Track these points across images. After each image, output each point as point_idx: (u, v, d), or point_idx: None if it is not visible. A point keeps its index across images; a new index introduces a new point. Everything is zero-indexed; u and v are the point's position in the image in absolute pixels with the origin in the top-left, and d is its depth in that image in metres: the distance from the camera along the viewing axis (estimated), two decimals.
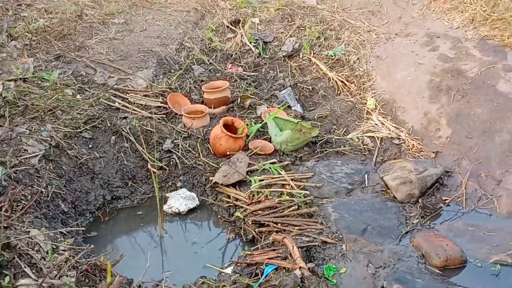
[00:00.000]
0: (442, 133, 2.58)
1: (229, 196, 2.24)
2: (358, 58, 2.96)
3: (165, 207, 2.22)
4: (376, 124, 2.64)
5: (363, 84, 2.86)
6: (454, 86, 2.75)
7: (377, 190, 2.34)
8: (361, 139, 2.60)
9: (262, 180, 2.27)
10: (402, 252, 2.08)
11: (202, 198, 2.30)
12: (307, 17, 3.23)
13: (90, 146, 2.29)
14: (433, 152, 2.52)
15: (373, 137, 2.57)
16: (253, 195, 2.19)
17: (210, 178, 2.32)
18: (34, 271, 1.83)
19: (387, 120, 2.73)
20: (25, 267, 1.80)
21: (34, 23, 2.82)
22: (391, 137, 2.62)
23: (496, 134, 2.55)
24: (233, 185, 2.26)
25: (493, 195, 2.26)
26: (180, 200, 2.24)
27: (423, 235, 2.14)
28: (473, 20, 2.99)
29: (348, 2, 3.45)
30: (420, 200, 2.30)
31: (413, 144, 2.58)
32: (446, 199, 2.29)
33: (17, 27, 2.83)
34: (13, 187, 1.97)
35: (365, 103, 2.81)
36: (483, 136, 2.52)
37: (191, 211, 2.26)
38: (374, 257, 2.03)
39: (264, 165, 2.34)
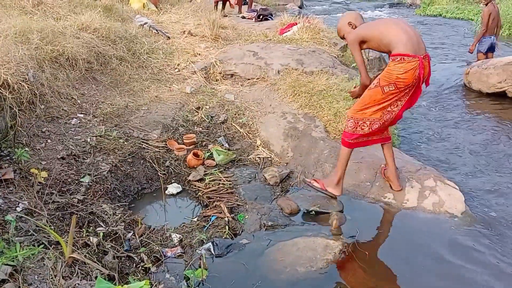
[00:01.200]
0: (289, 154, 4.09)
1: (195, 186, 3.67)
2: (252, 123, 4.61)
3: (166, 191, 3.64)
4: (261, 151, 4.19)
5: (254, 133, 4.48)
6: (294, 134, 4.33)
7: (262, 181, 3.77)
8: (254, 158, 4.09)
9: (210, 178, 3.75)
10: (272, 208, 3.41)
11: (184, 187, 3.72)
12: (230, 104, 4.94)
13: (131, 165, 3.71)
14: (286, 163, 4.03)
15: (260, 157, 4.11)
16: (206, 185, 3.64)
17: (187, 178, 3.78)
18: (103, 224, 2.99)
19: (266, 149, 4.24)
20: (100, 222, 2.99)
21: (104, 110, 4.28)
22: (267, 157, 4.14)
23: (311, 154, 4.04)
24: (198, 181, 3.71)
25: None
26: (173, 188, 3.67)
27: (281, 199, 3.52)
28: (301, 105, 4.72)
29: (248, 98, 5.11)
30: (280, 184, 3.75)
31: (277, 160, 4.10)
32: (291, 184, 3.76)
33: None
34: (95, 185, 3.40)
35: (256, 142, 4.36)
36: (306, 155, 4.04)
37: (178, 193, 3.67)
38: (259, 210, 3.35)
39: (211, 172, 3.84)
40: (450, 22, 12.59)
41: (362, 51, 3.25)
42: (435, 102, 6.46)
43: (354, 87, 3.67)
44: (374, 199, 3.60)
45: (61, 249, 2.55)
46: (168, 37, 6.52)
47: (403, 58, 2.95)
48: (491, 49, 7.73)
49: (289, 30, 7.41)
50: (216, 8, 9.03)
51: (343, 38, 3.41)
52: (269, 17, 9.22)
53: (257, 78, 5.62)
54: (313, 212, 3.40)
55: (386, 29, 3.09)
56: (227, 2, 9.53)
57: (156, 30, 6.49)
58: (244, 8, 10.10)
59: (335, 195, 3.42)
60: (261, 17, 9.15)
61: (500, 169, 4.27)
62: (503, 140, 4.97)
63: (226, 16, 8.97)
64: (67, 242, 2.53)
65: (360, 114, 3.20)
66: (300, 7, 14.15)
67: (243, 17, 9.53)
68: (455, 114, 5.84)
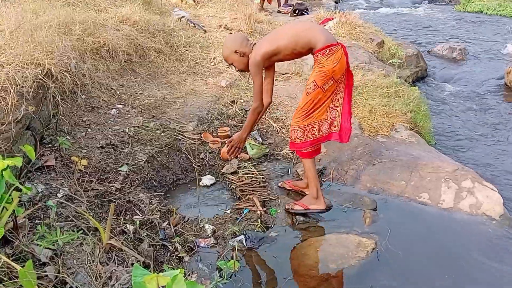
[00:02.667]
0: (322, 150, 3.87)
1: (229, 178, 3.68)
2: (286, 117, 4.51)
3: (200, 183, 3.64)
4: None
5: (287, 128, 4.28)
6: None
7: (294, 176, 3.72)
8: (287, 153, 4.00)
9: (243, 171, 3.73)
10: None
11: (217, 179, 3.72)
12: None
13: (167, 156, 3.72)
14: (319, 159, 3.89)
15: (293, 152, 3.91)
16: (239, 178, 3.63)
17: (221, 170, 3.79)
18: (140, 212, 3.02)
19: None
20: (136, 211, 3.02)
21: (142, 101, 4.34)
22: None
23: (345, 151, 4.01)
24: (231, 173, 3.71)
25: (343, 177, 3.74)
26: (207, 180, 3.69)
27: None
28: None
29: (282, 93, 5.12)
30: None
31: None
32: (324, 179, 3.71)
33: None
34: (133, 174, 3.41)
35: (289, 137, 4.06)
36: (339, 152, 4.00)
37: (212, 185, 3.68)
38: (290, 204, 3.31)
39: (245, 165, 3.82)
40: (492, 19, 12.17)
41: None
42: (474, 102, 6.29)
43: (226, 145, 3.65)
44: (409, 198, 3.55)
45: (99, 235, 2.63)
46: (205, 30, 6.59)
47: (331, 49, 2.90)
48: None
49: (325, 25, 7.34)
50: (262, 4, 8.96)
51: (232, 65, 3.29)
52: (305, 12, 9.17)
53: (292, 73, 5.62)
54: (346, 208, 3.37)
55: (297, 31, 3.02)
56: None
57: (193, 24, 6.57)
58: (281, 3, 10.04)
59: (321, 209, 3.26)
60: (297, 11, 9.11)
61: None
62: None
63: (265, 10, 8.95)
64: (105, 229, 2.61)
65: (306, 121, 3.07)
66: (336, 2, 13.94)
67: (279, 12, 9.51)
68: (495, 115, 5.68)
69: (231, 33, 6.75)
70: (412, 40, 9.51)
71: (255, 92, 3.13)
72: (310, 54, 3.03)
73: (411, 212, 3.47)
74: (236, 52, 3.15)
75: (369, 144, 4.17)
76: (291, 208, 3.32)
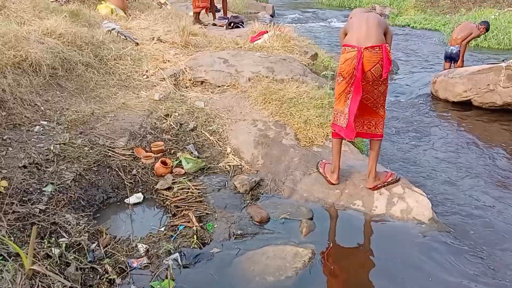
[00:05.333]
0: (259, 162, 4.03)
1: (163, 195, 3.57)
2: (222, 130, 4.54)
3: (126, 201, 3.53)
4: (231, 159, 4.09)
5: (224, 141, 4.39)
6: (264, 142, 4.30)
7: (232, 189, 3.68)
8: (224, 166, 3.99)
9: (179, 186, 3.64)
10: (242, 216, 3.36)
11: (150, 196, 3.62)
12: (200, 111, 4.89)
13: (96, 174, 3.59)
14: (256, 171, 3.95)
15: (230, 165, 4.01)
16: (174, 194, 3.55)
17: (155, 186, 3.67)
18: (66, 234, 2.89)
19: (236, 157, 4.14)
20: (62, 233, 2.89)
21: (69, 117, 4.14)
22: (238, 165, 4.05)
23: (281, 162, 4.04)
24: (166, 189, 3.61)
25: (280, 188, 3.76)
26: (134, 198, 3.57)
27: (251, 207, 3.45)
28: (272, 113, 4.79)
29: (219, 105, 5.07)
30: (250, 192, 3.66)
31: (247, 167, 3.99)
32: (261, 192, 3.72)
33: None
34: (58, 194, 3.26)
35: (226, 150, 4.25)
36: (276, 163, 4.02)
37: (139, 203, 3.57)
38: (229, 219, 3.31)
39: (180, 180, 3.72)
40: (419, 32, 12.90)
41: None
42: (402, 110, 6.57)
43: None
44: (344, 206, 3.60)
45: (21, 261, 2.47)
46: (137, 43, 6.43)
47: (345, 48, 3.18)
48: (449, 58, 8.05)
49: (260, 38, 7.43)
50: (197, 17, 8.88)
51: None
52: (240, 24, 9.22)
53: (228, 85, 5.59)
54: (283, 219, 3.37)
55: (352, 22, 3.34)
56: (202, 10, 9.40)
57: (125, 36, 6.39)
58: (218, 14, 10.04)
59: (332, 182, 3.72)
60: (232, 24, 9.15)
61: (467, 176, 4.36)
62: (469, 148, 5.09)
63: (200, 22, 8.89)
64: (27, 254, 2.43)
65: (335, 105, 3.46)
66: (272, 16, 14.23)
67: (214, 25, 9.50)
68: (423, 123, 5.95)
69: (165, 44, 6.63)
70: None
71: (340, 38, 3.54)
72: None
73: (346, 219, 3.53)
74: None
75: (305, 155, 4.20)
76: (317, 166, 3.97)
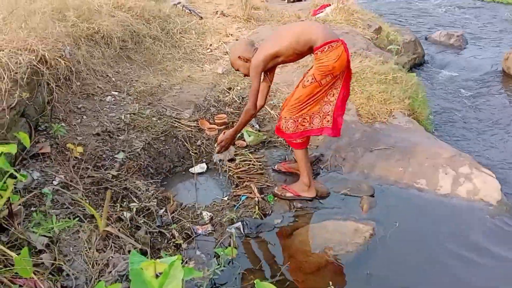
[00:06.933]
0: (320, 137, 3.92)
1: (226, 166, 3.62)
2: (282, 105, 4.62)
3: (191, 170, 3.64)
4: None
5: None
6: None
7: (292, 163, 3.57)
8: (284, 140, 3.71)
9: (241, 158, 3.71)
10: None
11: (212, 166, 3.70)
12: None
13: (164, 143, 3.71)
14: (316, 146, 3.93)
15: None
16: (237, 165, 3.61)
17: (218, 157, 3.64)
18: (136, 199, 3.03)
19: None
20: (133, 198, 3.04)
21: (138, 88, 4.34)
22: None
23: (342, 137, 3.86)
24: (229, 161, 3.65)
25: (341, 164, 3.73)
26: (198, 168, 3.66)
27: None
28: None
29: (279, 79, 5.05)
30: (312, 166, 3.55)
31: None
32: (321, 167, 3.70)
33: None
34: (129, 161, 3.40)
35: None
36: (337, 138, 3.81)
37: (203, 172, 3.68)
38: (280, 189, 3.31)
39: (242, 152, 3.80)
40: (489, 5, 12.09)
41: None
42: (472, 88, 6.27)
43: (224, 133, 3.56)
44: (407, 185, 3.54)
45: (95, 222, 2.62)
46: (201, 17, 6.51)
47: (331, 46, 2.86)
48: None
49: (322, 11, 7.29)
50: None
51: (238, 70, 3.30)
52: None
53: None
54: (343, 195, 3.36)
55: (296, 31, 2.98)
56: None
57: (189, 10, 6.49)
58: None
59: (311, 197, 3.30)
60: None
61: None
62: None
63: None
64: (101, 216, 2.59)
65: (299, 113, 3.09)
66: None
67: None
68: (493, 101, 5.66)
69: (227, 18, 6.68)
70: (410, 26, 9.43)
71: (251, 93, 3.10)
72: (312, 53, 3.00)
73: (409, 198, 3.47)
74: (239, 57, 3.16)
75: (366, 131, 4.14)
76: (282, 194, 3.34)
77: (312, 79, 2.97)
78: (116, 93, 4.25)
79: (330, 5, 7.43)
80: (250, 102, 3.13)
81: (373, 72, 5.00)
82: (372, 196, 3.44)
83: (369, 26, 7.02)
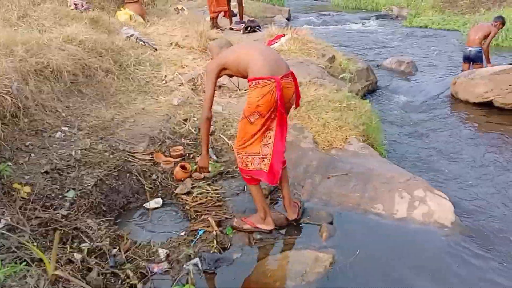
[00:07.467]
0: None
1: (182, 199, 3.57)
2: None
3: (145, 206, 3.54)
4: None
5: None
6: None
7: (250, 193, 3.28)
8: None
9: (198, 191, 3.65)
10: None
11: (169, 200, 3.59)
12: (218, 116, 4.82)
13: (117, 179, 3.60)
14: None
15: None
16: (194, 198, 3.54)
17: (174, 191, 3.67)
18: (88, 239, 2.90)
19: None
20: (84, 238, 2.89)
21: (89, 122, 4.18)
22: None
23: (300, 165, 3.94)
24: (185, 194, 3.61)
25: (299, 192, 3.71)
26: (153, 203, 3.57)
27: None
28: (290, 116, 4.18)
29: (237, 109, 4.88)
30: (269, 196, 3.64)
31: None
32: (280, 195, 3.60)
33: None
34: (80, 199, 3.27)
35: None
36: (295, 166, 3.88)
37: (159, 207, 3.55)
38: (238, 222, 3.23)
39: (199, 185, 3.73)
40: (437, 33, 12.74)
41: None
42: (422, 112, 6.49)
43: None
44: (365, 210, 3.56)
45: (44, 266, 2.49)
46: (155, 48, 6.48)
47: (258, 82, 2.72)
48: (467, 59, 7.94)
49: (277, 42, 7.43)
50: (215, 22, 8.92)
51: None
52: (257, 28, 9.24)
53: (245, 90, 5.56)
54: (303, 224, 3.35)
55: (244, 52, 2.88)
56: (219, 15, 9.46)
57: (143, 42, 6.45)
58: (234, 19, 10.07)
59: (268, 229, 3.22)
60: (249, 28, 9.17)
61: (489, 179, 4.28)
62: (491, 150, 4.99)
63: (220, 28, 8.93)
64: (50, 259, 2.46)
65: (242, 149, 2.99)
66: (288, 19, 14.20)
67: (231, 29, 9.54)
68: (443, 125, 5.86)
69: (183, 50, 6.68)
70: (362, 55, 9.75)
71: (205, 99, 3.02)
72: None
73: (367, 224, 3.48)
74: (211, 58, 3.20)
75: (323, 158, 4.17)
76: (240, 226, 3.26)
77: (242, 114, 2.89)
78: (66, 128, 4.11)
79: (284, 35, 7.59)
80: (205, 108, 3.02)
81: (328, 100, 5.09)
82: (331, 223, 3.43)
83: (323, 55, 7.20)
